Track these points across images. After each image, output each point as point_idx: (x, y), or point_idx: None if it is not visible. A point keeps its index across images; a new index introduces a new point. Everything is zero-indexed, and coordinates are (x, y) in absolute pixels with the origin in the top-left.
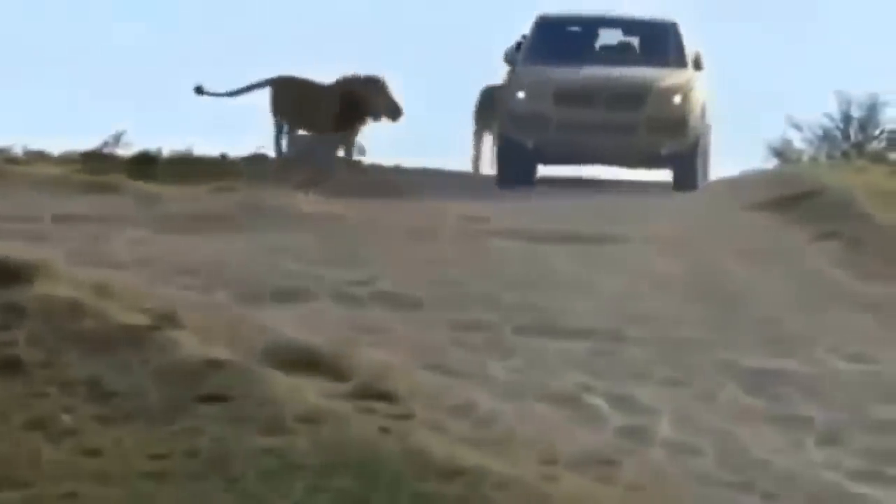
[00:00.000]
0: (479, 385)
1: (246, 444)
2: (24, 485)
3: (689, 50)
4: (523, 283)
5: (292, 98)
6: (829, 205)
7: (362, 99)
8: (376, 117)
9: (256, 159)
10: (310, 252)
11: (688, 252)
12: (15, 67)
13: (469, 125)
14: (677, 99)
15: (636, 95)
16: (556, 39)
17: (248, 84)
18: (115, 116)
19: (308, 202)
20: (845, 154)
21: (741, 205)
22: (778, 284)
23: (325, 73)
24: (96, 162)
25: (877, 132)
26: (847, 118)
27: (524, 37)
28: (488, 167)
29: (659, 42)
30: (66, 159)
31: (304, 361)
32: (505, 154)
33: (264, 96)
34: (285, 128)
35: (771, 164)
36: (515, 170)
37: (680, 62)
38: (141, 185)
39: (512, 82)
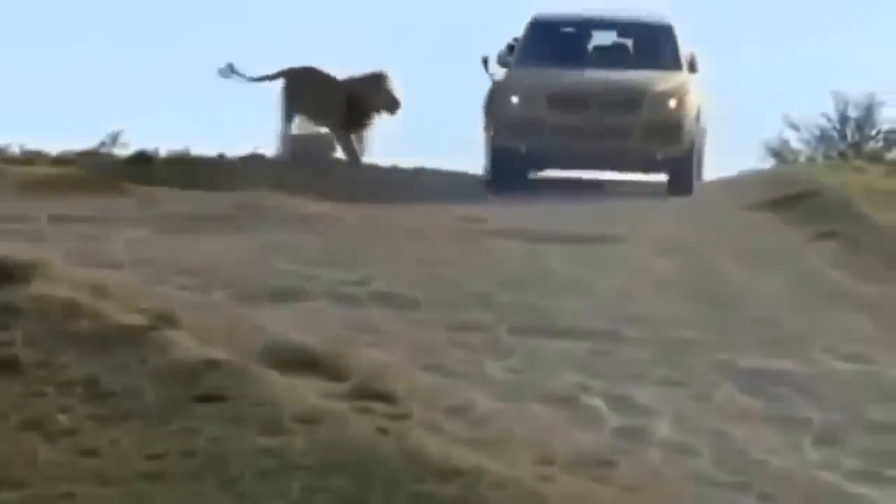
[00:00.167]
0: (476, 385)
1: (243, 445)
2: (21, 485)
3: (684, 52)
4: (520, 283)
5: (305, 89)
6: (827, 205)
7: (363, 101)
8: (378, 113)
9: (254, 159)
10: (307, 252)
11: (685, 252)
12: (13, 67)
13: (467, 125)
14: (672, 103)
15: (631, 100)
16: (550, 41)
17: (269, 73)
18: (113, 116)
19: (305, 203)
20: (842, 154)
21: (738, 205)
22: (775, 285)
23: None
24: (94, 162)
25: (874, 132)
26: (844, 118)
27: (516, 39)
28: None
29: (654, 44)
30: (64, 159)
31: (302, 361)
32: (497, 159)
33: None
34: (295, 120)
35: (768, 164)
36: (508, 175)
37: (675, 64)
38: (138, 185)
39: (505, 86)
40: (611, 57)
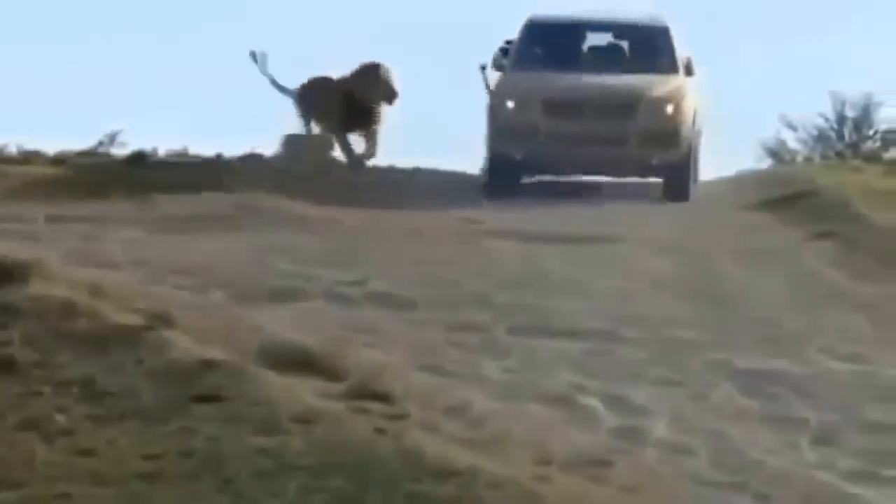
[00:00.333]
0: (473, 385)
1: (240, 445)
2: (18, 485)
3: (681, 54)
4: (517, 283)
5: (314, 96)
6: (824, 205)
7: (361, 97)
8: (378, 106)
9: (251, 159)
10: (305, 252)
11: (682, 252)
12: (11, 67)
13: (466, 125)
14: (669, 109)
15: (627, 106)
16: (545, 43)
17: (288, 88)
18: (111, 116)
19: (301, 204)
20: (840, 154)
21: (736, 205)
22: (772, 284)
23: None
24: (88, 163)
25: (871, 132)
26: (842, 118)
27: (508, 42)
28: None
29: (650, 47)
30: (61, 159)
31: (299, 361)
32: (493, 165)
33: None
34: (312, 128)
35: (765, 164)
36: (504, 181)
37: (671, 68)
38: (135, 184)
39: (500, 91)
40: (607, 60)
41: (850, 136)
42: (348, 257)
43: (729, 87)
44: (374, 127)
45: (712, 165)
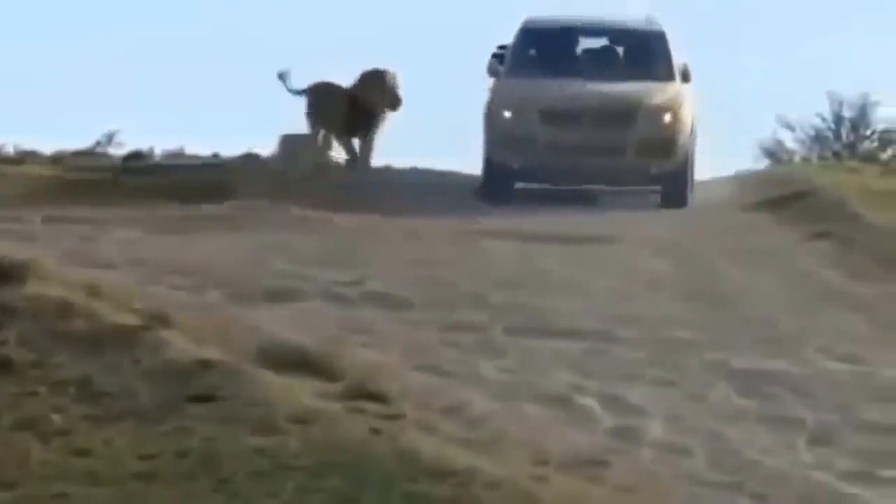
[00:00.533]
0: (470, 385)
1: (236, 445)
2: (14, 485)
3: (677, 60)
4: (514, 283)
5: (321, 103)
6: (821, 205)
7: (364, 102)
8: (382, 112)
9: (248, 159)
10: (301, 252)
11: (679, 252)
12: (9, 67)
13: (463, 125)
14: (667, 118)
15: (625, 114)
16: (541, 49)
17: (300, 89)
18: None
19: (298, 204)
20: (837, 154)
21: (733, 205)
22: (769, 285)
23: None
24: (88, 161)
25: (868, 132)
26: (839, 118)
27: (501, 48)
28: None
29: (646, 52)
30: (58, 159)
31: (296, 361)
32: (490, 172)
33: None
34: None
35: (763, 164)
36: (500, 188)
37: (668, 74)
38: (133, 184)
39: (497, 98)
40: (603, 65)
41: (847, 137)
42: (345, 257)
43: (726, 87)
44: (371, 133)
45: (709, 165)
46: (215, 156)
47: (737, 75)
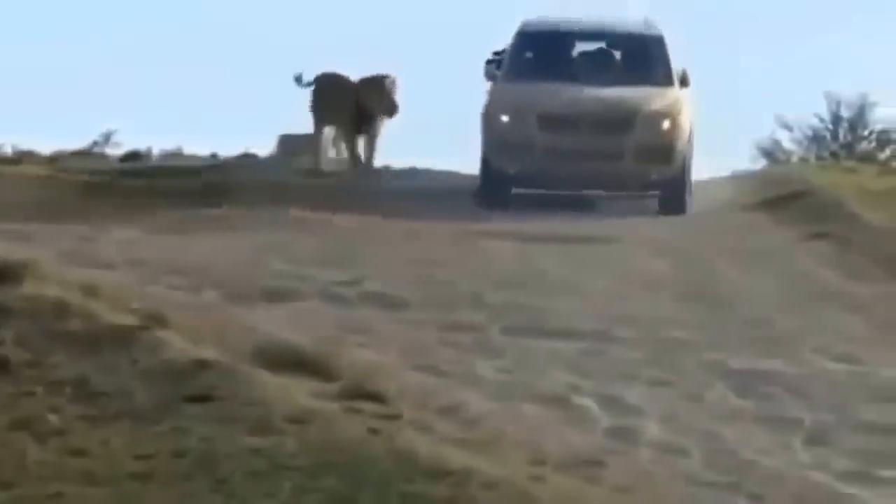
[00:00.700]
0: (467, 385)
1: (234, 445)
2: (10, 485)
3: (676, 65)
4: (512, 283)
5: (328, 97)
6: (819, 205)
7: (364, 104)
8: (379, 117)
9: (246, 159)
10: (299, 252)
11: (677, 252)
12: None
13: (461, 124)
14: (666, 124)
15: (623, 120)
16: (538, 52)
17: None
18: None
19: (296, 204)
20: (834, 154)
21: (731, 205)
22: (767, 285)
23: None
24: (86, 161)
25: (866, 132)
26: (836, 119)
27: (496, 53)
28: None
29: (644, 56)
30: (56, 159)
31: (293, 361)
32: (487, 177)
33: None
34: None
35: (760, 164)
36: (497, 194)
37: (667, 79)
38: (130, 184)
39: (494, 102)
40: (601, 69)
41: (844, 137)
42: (343, 257)
43: (724, 86)
44: (370, 135)
45: (707, 166)
46: (213, 156)
47: (735, 75)
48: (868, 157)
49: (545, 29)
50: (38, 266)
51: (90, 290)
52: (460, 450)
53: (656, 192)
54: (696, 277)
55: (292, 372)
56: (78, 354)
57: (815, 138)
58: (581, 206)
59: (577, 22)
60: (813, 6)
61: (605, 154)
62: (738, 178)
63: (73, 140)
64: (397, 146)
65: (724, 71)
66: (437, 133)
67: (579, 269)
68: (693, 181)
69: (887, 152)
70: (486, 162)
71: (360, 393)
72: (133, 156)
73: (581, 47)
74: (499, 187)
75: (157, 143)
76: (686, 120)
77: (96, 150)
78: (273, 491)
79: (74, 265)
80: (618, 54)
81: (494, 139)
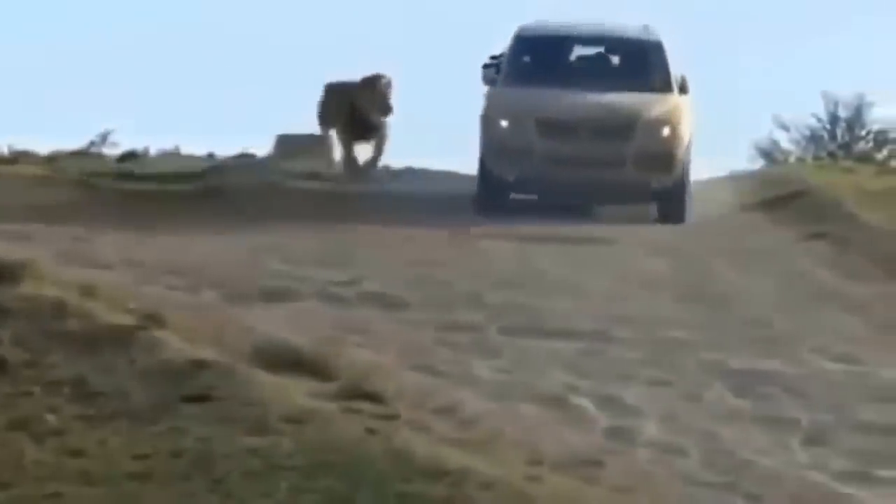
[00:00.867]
0: (465, 385)
1: (231, 445)
2: (7, 485)
3: (675, 71)
4: (510, 283)
5: (331, 102)
6: (817, 205)
7: (358, 108)
8: (375, 118)
9: (244, 159)
10: (297, 252)
11: (675, 253)
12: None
13: (459, 124)
14: (666, 131)
15: (623, 127)
16: (536, 57)
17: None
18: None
19: (294, 204)
20: (832, 155)
21: (729, 205)
22: (765, 285)
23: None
24: (83, 161)
25: (864, 133)
26: (834, 119)
27: (493, 57)
28: None
29: (644, 62)
30: (53, 159)
31: (290, 361)
32: (485, 183)
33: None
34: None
35: (758, 164)
36: (495, 199)
37: (666, 86)
38: (128, 184)
39: (493, 107)
40: (600, 75)
41: (842, 137)
42: (341, 258)
43: (722, 87)
44: (374, 138)
45: (705, 166)
46: (210, 156)
47: (733, 75)
48: (865, 157)
49: (543, 33)
50: (35, 266)
51: (88, 291)
52: (457, 450)
53: (655, 200)
54: (695, 278)
55: (290, 372)
56: (76, 354)
57: (813, 138)
58: (579, 212)
59: (575, 27)
60: (811, 7)
61: (605, 161)
62: (736, 179)
63: (70, 140)
64: (397, 146)
65: (723, 71)
66: (436, 133)
67: (578, 269)
68: (691, 180)
69: (884, 152)
70: (483, 167)
71: (358, 393)
72: (130, 156)
73: (579, 53)
74: (497, 193)
75: (154, 142)
76: (686, 127)
77: (93, 150)
78: (270, 491)
79: (72, 265)
80: (616, 60)
81: (492, 144)
